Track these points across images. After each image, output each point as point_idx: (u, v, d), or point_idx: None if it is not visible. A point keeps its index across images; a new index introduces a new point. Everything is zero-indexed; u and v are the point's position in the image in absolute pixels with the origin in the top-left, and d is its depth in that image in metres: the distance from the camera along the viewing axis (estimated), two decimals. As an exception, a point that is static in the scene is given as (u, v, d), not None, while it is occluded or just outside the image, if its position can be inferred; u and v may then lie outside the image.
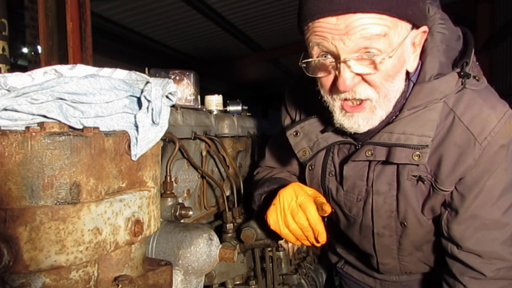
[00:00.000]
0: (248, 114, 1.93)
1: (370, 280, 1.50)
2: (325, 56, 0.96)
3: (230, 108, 1.88)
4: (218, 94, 1.78)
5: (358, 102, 0.99)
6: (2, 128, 0.60)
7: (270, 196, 1.19)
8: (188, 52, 9.02)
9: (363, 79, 0.96)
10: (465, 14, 7.34)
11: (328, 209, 1.06)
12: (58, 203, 0.60)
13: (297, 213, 1.08)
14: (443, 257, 1.19)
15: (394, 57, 0.93)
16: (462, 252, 1.11)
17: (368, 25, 0.88)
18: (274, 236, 1.32)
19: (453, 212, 1.10)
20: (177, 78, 1.55)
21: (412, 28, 0.95)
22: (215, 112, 1.72)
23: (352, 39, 0.90)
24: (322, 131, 1.16)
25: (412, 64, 1.01)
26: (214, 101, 1.76)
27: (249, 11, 7.13)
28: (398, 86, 1.00)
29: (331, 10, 0.88)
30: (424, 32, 0.99)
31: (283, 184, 1.19)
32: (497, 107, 1.01)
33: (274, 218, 1.11)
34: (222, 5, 6.77)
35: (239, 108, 1.88)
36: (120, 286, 0.69)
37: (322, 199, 1.12)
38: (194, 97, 1.57)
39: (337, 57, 0.94)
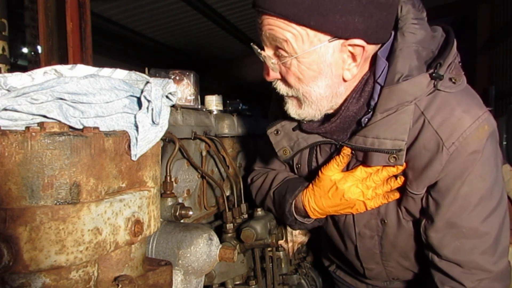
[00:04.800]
0: (248, 114, 1.93)
1: (363, 286, 1.51)
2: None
3: (230, 108, 1.89)
4: (218, 94, 1.78)
5: None
6: (2, 128, 0.60)
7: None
8: (188, 52, 9.02)
9: (281, 77, 1.05)
10: (465, 14, 7.34)
11: None
12: (58, 203, 0.60)
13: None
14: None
15: (304, 63, 0.97)
16: (443, 261, 1.09)
17: (273, 27, 0.95)
18: (274, 236, 1.33)
19: (429, 220, 1.08)
20: (177, 78, 1.55)
21: (334, 39, 0.93)
22: (215, 112, 1.72)
23: (265, 36, 0.98)
24: (302, 130, 1.16)
25: (352, 72, 1.00)
26: (214, 101, 1.75)
27: (249, 11, 7.12)
28: (319, 91, 1.01)
29: (255, 4, 0.97)
30: (359, 45, 0.95)
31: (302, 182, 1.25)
32: (470, 111, 0.96)
33: (355, 191, 1.12)
34: (222, 5, 6.77)
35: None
36: (120, 286, 0.69)
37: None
38: (194, 97, 1.57)
39: (262, 48, 1.03)
